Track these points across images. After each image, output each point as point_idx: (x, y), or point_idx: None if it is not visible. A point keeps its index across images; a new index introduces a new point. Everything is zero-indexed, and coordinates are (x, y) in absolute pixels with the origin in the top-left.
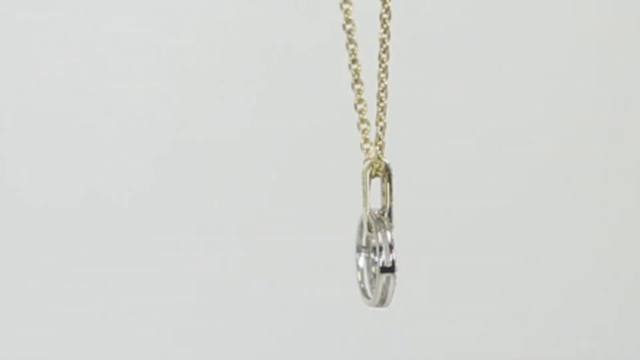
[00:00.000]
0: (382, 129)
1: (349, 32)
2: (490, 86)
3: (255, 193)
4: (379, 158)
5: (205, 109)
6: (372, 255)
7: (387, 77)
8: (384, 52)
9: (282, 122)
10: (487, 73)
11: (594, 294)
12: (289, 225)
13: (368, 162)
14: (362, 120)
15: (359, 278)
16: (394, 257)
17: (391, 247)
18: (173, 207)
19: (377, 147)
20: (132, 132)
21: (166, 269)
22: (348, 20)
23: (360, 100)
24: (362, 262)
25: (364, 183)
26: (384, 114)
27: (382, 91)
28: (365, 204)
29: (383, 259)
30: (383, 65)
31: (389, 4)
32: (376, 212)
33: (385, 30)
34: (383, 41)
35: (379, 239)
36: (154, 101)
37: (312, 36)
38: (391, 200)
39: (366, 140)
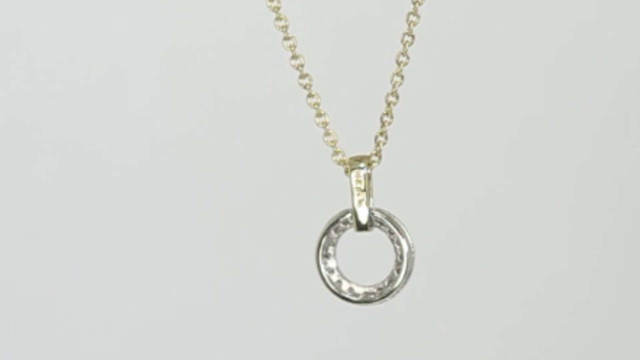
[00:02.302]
0: (385, 125)
1: (285, 37)
2: (486, 85)
3: (249, 192)
4: (379, 156)
5: (199, 107)
6: (330, 261)
7: (402, 78)
8: (403, 54)
9: (280, 122)
10: (484, 73)
11: (593, 294)
12: (283, 222)
13: (364, 162)
14: (327, 132)
15: (335, 288)
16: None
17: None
18: (170, 205)
19: (378, 145)
20: (130, 130)
21: (160, 267)
22: (282, 20)
23: (319, 114)
24: (326, 265)
25: (360, 181)
26: (391, 115)
27: (393, 92)
28: (365, 201)
29: (407, 251)
30: (401, 63)
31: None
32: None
33: (410, 32)
34: (406, 40)
35: (395, 231)
36: (149, 97)
37: (311, 36)
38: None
39: (334, 145)
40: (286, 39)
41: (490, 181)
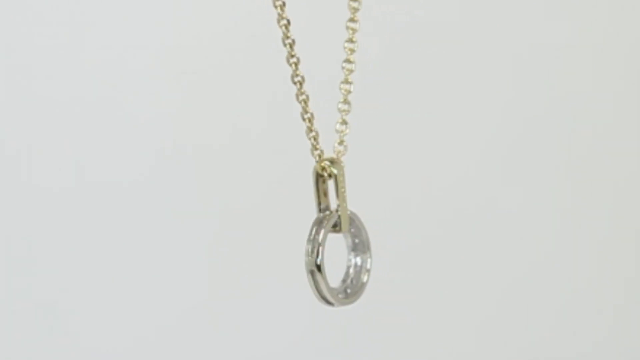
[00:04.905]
0: (343, 121)
1: (287, 37)
2: (479, 87)
3: (249, 194)
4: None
5: (202, 111)
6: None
7: (351, 76)
8: (351, 52)
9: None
10: (483, 73)
11: (592, 297)
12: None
13: (341, 165)
14: (310, 129)
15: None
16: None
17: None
18: (171, 207)
19: (341, 142)
20: (132, 130)
21: (163, 268)
22: (283, 19)
23: (306, 111)
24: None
25: (341, 181)
26: (346, 116)
27: (346, 96)
28: (345, 202)
29: (369, 257)
30: (349, 67)
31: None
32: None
33: (353, 32)
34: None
35: (364, 237)
36: (153, 100)
37: (311, 37)
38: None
39: (315, 147)
40: (292, 56)
41: (491, 186)
